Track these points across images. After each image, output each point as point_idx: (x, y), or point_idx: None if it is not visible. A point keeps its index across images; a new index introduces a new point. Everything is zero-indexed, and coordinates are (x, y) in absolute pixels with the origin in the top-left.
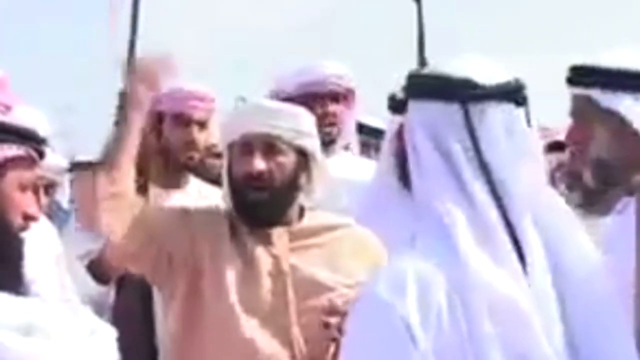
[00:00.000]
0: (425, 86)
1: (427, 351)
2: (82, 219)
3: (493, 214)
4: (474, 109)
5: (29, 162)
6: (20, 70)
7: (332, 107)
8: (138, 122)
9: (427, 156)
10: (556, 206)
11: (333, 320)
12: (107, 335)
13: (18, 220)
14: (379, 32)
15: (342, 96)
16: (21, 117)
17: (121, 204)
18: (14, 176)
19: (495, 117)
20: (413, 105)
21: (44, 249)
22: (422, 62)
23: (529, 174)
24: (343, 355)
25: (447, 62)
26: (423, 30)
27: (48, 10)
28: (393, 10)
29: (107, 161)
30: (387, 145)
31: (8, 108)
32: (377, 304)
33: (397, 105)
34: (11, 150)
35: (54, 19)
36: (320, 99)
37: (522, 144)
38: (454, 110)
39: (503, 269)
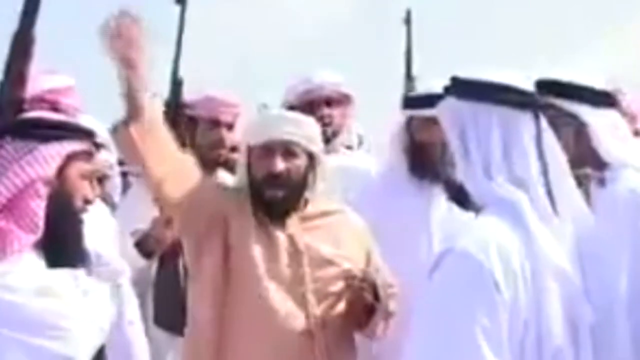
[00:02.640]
0: (508, 96)
1: (507, 299)
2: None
3: (547, 203)
4: (542, 118)
5: (89, 156)
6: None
7: (326, 111)
8: (130, 61)
9: (496, 150)
10: (579, 203)
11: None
12: (99, 294)
13: (79, 203)
14: (372, 49)
15: (337, 101)
16: (82, 119)
17: (161, 150)
18: (78, 166)
19: (546, 126)
20: (488, 108)
21: (103, 227)
22: (409, 76)
23: (568, 174)
24: (431, 299)
25: (508, 76)
26: (411, 49)
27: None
28: (385, 30)
29: (127, 114)
30: (394, 140)
31: (77, 110)
32: (467, 256)
33: (409, 102)
34: (79, 145)
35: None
36: (316, 105)
37: (560, 150)
38: (528, 118)
39: (555, 239)
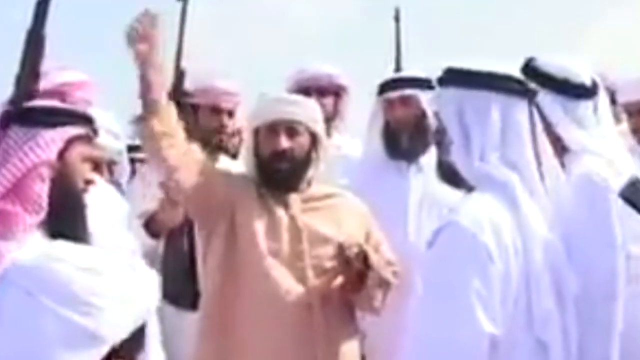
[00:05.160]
0: (507, 84)
1: (500, 269)
2: (151, 161)
3: (540, 183)
4: (534, 105)
5: (88, 140)
6: (93, 66)
7: (319, 100)
8: (152, 61)
9: (494, 135)
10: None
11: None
12: (145, 272)
13: (80, 185)
14: (363, 44)
15: (330, 91)
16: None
17: (175, 141)
18: (78, 150)
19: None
20: (489, 96)
21: (110, 209)
22: (398, 70)
23: (553, 156)
24: (430, 269)
25: (504, 65)
26: (400, 43)
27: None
28: (377, 26)
29: (147, 109)
30: (371, 126)
31: (88, 103)
32: (462, 229)
33: (379, 90)
34: (79, 130)
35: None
36: (309, 93)
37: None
38: (524, 105)
39: (543, 216)
